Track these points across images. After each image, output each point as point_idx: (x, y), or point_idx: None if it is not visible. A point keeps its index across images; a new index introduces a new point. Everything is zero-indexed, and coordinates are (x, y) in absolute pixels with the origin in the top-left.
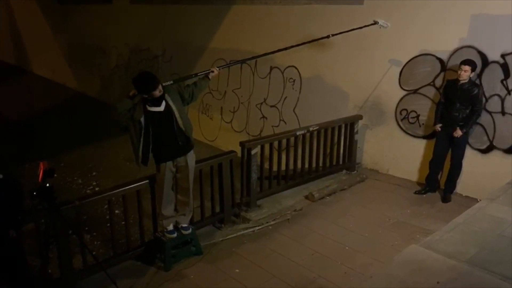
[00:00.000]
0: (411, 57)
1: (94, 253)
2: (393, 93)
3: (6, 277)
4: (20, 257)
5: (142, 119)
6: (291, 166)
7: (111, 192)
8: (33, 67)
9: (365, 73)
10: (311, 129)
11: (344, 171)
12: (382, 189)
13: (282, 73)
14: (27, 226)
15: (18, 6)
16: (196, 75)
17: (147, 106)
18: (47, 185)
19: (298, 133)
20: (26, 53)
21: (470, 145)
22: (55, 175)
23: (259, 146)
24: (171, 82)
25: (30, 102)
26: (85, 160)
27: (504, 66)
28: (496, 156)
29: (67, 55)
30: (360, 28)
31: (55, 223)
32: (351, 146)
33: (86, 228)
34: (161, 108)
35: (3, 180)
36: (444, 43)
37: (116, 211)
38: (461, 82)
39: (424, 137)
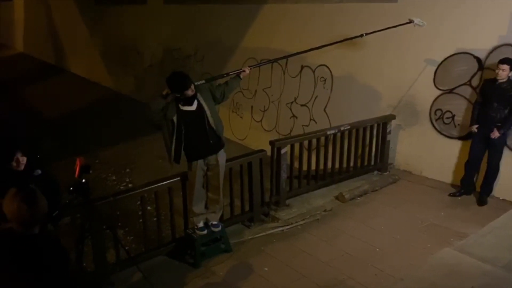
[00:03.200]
0: (447, 55)
1: (127, 248)
2: (427, 93)
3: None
4: (59, 250)
5: (174, 118)
6: (321, 166)
7: (144, 189)
8: (71, 66)
9: (399, 72)
10: (342, 128)
11: (375, 172)
12: (415, 191)
13: (313, 72)
14: (63, 221)
15: (56, 7)
16: (227, 74)
17: (179, 105)
18: (83, 180)
19: (329, 132)
20: (64, 52)
21: (508, 147)
22: (91, 171)
23: (289, 145)
24: (203, 81)
25: (68, 100)
26: (119, 157)
27: None
28: None
29: (103, 55)
30: (395, 27)
31: (90, 218)
32: (383, 146)
33: (119, 224)
34: (193, 107)
35: (42, 175)
36: (481, 41)
37: (148, 208)
38: (499, 81)
39: (459, 138)
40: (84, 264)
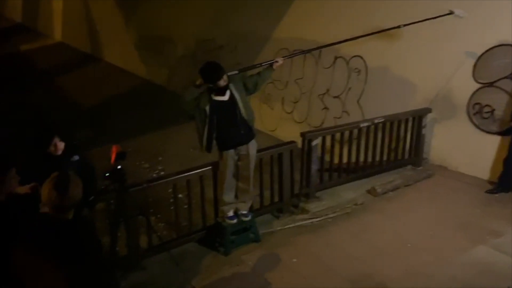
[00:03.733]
0: (488, 48)
1: (158, 234)
2: (466, 86)
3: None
4: (92, 235)
5: (207, 108)
6: (353, 159)
7: (176, 177)
8: (105, 56)
9: (437, 64)
10: (376, 121)
11: (409, 166)
12: (449, 187)
13: (347, 63)
14: (98, 206)
15: None
16: (260, 65)
17: (212, 95)
18: (119, 167)
19: (362, 125)
20: (99, 42)
21: None
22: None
23: (320, 138)
24: (236, 72)
25: (102, 89)
26: (151, 145)
27: None
28: None
29: (138, 45)
30: (434, 18)
31: (124, 203)
32: (418, 140)
33: (151, 210)
34: (226, 97)
35: (79, 161)
36: None
37: (179, 195)
38: None
39: (498, 133)
40: (117, 249)
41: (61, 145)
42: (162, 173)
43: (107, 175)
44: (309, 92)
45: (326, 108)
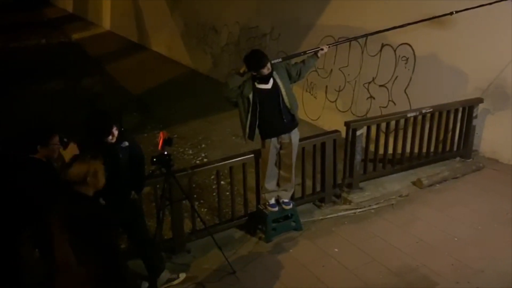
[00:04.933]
0: None
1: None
2: None
3: (127, 235)
4: (139, 217)
5: (250, 96)
6: (399, 150)
7: (220, 164)
8: (152, 45)
9: (491, 53)
10: (424, 111)
11: (458, 158)
12: (501, 180)
13: (394, 51)
14: (145, 190)
15: None
16: (305, 52)
17: (255, 83)
18: (166, 152)
19: (409, 115)
20: (146, 31)
21: None
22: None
23: (365, 127)
24: (280, 59)
25: (148, 77)
26: (195, 133)
27: None
28: None
29: (182, 33)
30: (490, 4)
31: (170, 188)
32: (468, 131)
33: (195, 196)
34: (269, 85)
35: (129, 147)
36: None
37: (222, 182)
38: None
39: None
40: (164, 232)
41: (116, 133)
42: (206, 160)
43: (154, 160)
44: (354, 80)
45: (371, 97)
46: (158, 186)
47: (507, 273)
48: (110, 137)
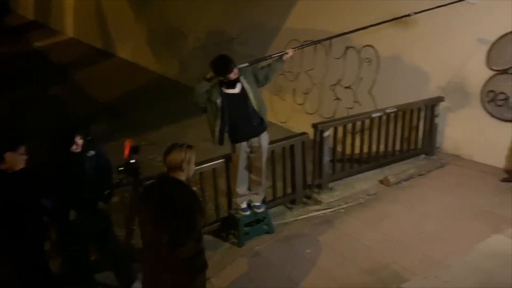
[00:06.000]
0: (502, 34)
1: None
2: (479, 74)
3: (96, 246)
4: (109, 228)
5: (218, 101)
6: (366, 150)
7: None
8: (118, 51)
9: (450, 52)
10: (388, 111)
11: (422, 156)
12: (464, 176)
13: (358, 53)
14: (113, 199)
15: None
16: (270, 56)
17: (223, 88)
18: (133, 161)
19: (374, 115)
20: (111, 37)
21: None
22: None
23: (332, 128)
24: (247, 64)
25: (116, 84)
26: (165, 139)
27: None
28: None
29: (149, 39)
30: (446, 5)
31: (139, 197)
32: (431, 129)
33: None
34: (237, 90)
35: (95, 156)
36: None
37: (194, 188)
38: None
39: None
40: (133, 242)
41: (80, 142)
42: None
43: (121, 169)
44: (321, 83)
45: (337, 98)
46: (126, 195)
47: (474, 266)
48: (74, 146)
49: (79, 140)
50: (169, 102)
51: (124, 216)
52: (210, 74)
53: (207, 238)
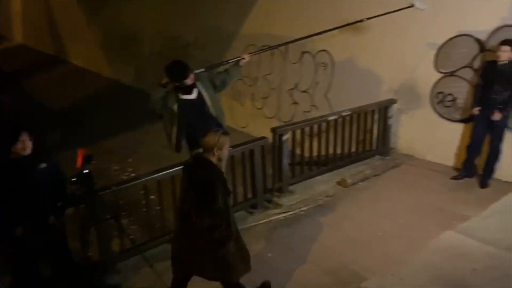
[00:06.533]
0: (448, 38)
1: (131, 236)
2: (429, 76)
3: (48, 261)
4: (61, 242)
5: (175, 107)
6: (323, 152)
7: (147, 178)
8: (70, 57)
9: (400, 56)
10: (343, 114)
11: (377, 157)
12: (417, 175)
13: (314, 57)
14: (68, 211)
15: None
16: (227, 61)
17: (179, 94)
18: (86, 171)
19: (330, 118)
20: (63, 43)
21: (509, 129)
22: (93, 161)
23: (290, 132)
24: (203, 69)
25: (68, 91)
26: (121, 147)
27: None
28: None
29: (102, 44)
30: (396, 11)
31: (94, 207)
32: (385, 131)
33: (124, 213)
34: (193, 96)
35: (47, 168)
36: (482, 23)
37: (152, 197)
38: (500, 63)
39: (461, 121)
40: (89, 254)
41: (29, 144)
42: (133, 174)
43: (74, 180)
44: (278, 87)
45: (295, 102)
46: (81, 206)
47: (428, 261)
48: (20, 145)
49: (27, 141)
50: (125, 108)
51: (79, 228)
52: (165, 80)
53: (168, 247)
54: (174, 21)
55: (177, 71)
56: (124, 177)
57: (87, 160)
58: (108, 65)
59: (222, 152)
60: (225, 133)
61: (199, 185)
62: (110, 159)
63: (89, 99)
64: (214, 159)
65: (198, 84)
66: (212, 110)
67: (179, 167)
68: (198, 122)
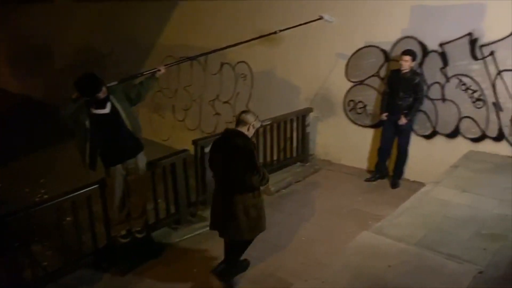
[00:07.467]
0: (356, 49)
1: (45, 263)
2: (341, 85)
3: None
4: None
5: (87, 123)
6: None
7: (60, 199)
8: None
9: (314, 66)
10: (264, 123)
11: (298, 163)
12: (335, 179)
13: (233, 68)
14: None
15: None
16: (142, 74)
17: (91, 109)
18: None
19: None
20: None
21: (415, 132)
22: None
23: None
24: (116, 82)
25: None
26: (33, 167)
27: (443, 55)
28: (439, 141)
29: (9, 58)
30: (306, 23)
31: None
32: (303, 138)
33: (36, 239)
34: (107, 110)
35: None
36: (387, 35)
37: (68, 218)
38: (403, 71)
39: (371, 126)
40: None
41: None
42: (46, 196)
43: None
44: (200, 98)
45: (217, 113)
46: None
47: (347, 263)
48: None
49: None
50: (36, 126)
51: None
52: (75, 95)
53: (86, 271)
54: (86, 33)
55: (88, 85)
56: (36, 199)
57: None
58: (16, 79)
59: (250, 132)
60: (257, 118)
61: (241, 151)
62: (21, 180)
63: None
64: (246, 133)
65: (112, 97)
66: (128, 124)
67: (95, 186)
68: (113, 137)
